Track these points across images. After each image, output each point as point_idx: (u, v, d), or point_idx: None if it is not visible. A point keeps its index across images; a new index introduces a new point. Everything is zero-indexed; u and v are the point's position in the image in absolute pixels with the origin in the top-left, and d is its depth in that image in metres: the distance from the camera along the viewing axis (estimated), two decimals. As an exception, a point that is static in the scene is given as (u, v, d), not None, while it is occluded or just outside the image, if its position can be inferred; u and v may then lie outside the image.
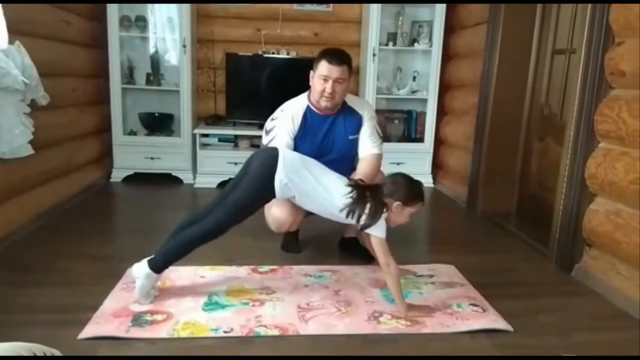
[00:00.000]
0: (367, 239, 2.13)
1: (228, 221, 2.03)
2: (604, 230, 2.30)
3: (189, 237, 2.03)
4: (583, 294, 2.32)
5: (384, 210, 2.00)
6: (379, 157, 2.51)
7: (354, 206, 2.00)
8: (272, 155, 2.07)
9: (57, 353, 1.05)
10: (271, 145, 2.40)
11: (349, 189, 2.03)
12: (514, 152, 3.53)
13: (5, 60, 2.37)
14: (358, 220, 2.00)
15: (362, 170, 2.41)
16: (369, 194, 2.02)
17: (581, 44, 2.46)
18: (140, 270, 1.98)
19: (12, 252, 2.57)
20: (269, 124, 2.49)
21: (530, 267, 2.64)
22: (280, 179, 2.02)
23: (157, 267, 2.00)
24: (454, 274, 2.45)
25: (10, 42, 2.45)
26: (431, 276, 2.41)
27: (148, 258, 2.01)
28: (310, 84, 2.46)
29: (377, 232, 1.98)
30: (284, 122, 2.44)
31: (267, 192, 2.06)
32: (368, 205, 1.98)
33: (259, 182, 2.05)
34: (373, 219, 1.97)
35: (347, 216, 2.02)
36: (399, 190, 2.02)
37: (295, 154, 2.15)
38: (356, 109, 2.53)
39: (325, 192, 2.05)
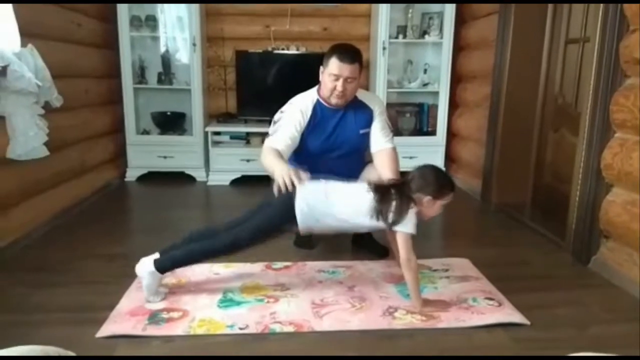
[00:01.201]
0: (390, 232, 2.11)
1: (246, 242, 2.06)
2: (620, 221, 2.27)
3: (203, 250, 2.06)
4: (600, 286, 2.29)
5: (411, 205, 1.97)
6: (396, 151, 2.50)
7: (380, 206, 1.97)
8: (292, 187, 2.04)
9: (72, 355, 1.06)
10: (276, 135, 2.37)
11: (371, 193, 2.00)
12: (528, 143, 3.49)
13: (19, 63, 2.40)
14: (385, 219, 1.97)
15: (388, 167, 2.38)
16: (394, 192, 2.00)
17: (595, 33, 2.42)
18: (144, 269, 2.01)
19: (29, 252, 2.61)
20: (277, 115, 2.47)
21: (546, 260, 2.61)
22: (300, 207, 1.99)
23: (164, 269, 2.03)
24: (468, 268, 2.44)
25: (23, 45, 2.48)
26: (446, 270, 2.40)
27: (153, 258, 2.03)
28: (320, 79, 2.45)
29: (406, 228, 1.95)
30: (292, 114, 2.43)
31: (288, 219, 2.03)
32: (393, 203, 1.96)
33: (280, 210, 2.04)
34: (399, 215, 1.95)
35: (377, 218, 1.98)
36: (428, 184, 1.99)
37: (313, 182, 2.09)
38: (367, 102, 2.52)
39: (348, 206, 2.01)
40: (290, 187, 2.00)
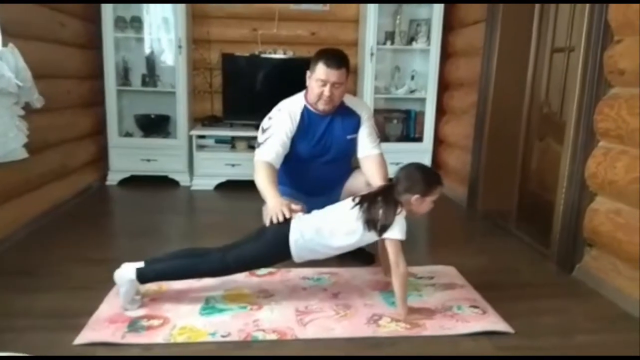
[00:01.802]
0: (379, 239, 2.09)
1: (235, 269, 2.06)
2: (604, 229, 2.28)
3: (189, 268, 2.03)
4: (584, 295, 2.30)
5: (398, 210, 1.95)
6: (383, 157, 2.49)
7: (369, 215, 1.96)
8: (285, 221, 2.02)
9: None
10: (267, 143, 2.35)
11: (357, 207, 1.98)
12: (514, 151, 3.50)
13: (-1, 62, 2.35)
14: (375, 227, 1.95)
15: (378, 175, 2.36)
16: (380, 198, 1.98)
17: (580, 42, 2.44)
18: (124, 276, 1.97)
19: (8, 256, 2.54)
20: (265, 122, 2.45)
21: (531, 268, 2.62)
22: (295, 239, 1.97)
23: (145, 279, 2.00)
24: (454, 275, 2.43)
25: (4, 44, 2.43)
26: (431, 278, 2.39)
27: (135, 266, 1.98)
28: (307, 84, 2.43)
29: (394, 235, 1.93)
30: (281, 120, 2.40)
31: (281, 251, 2.01)
32: (380, 211, 1.95)
33: (273, 241, 2.02)
34: (386, 220, 1.93)
35: (369, 229, 1.96)
36: (415, 184, 1.98)
37: (305, 216, 2.07)
38: (354, 108, 2.51)
39: (340, 230, 2.00)
40: (282, 220, 2.00)
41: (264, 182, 2.22)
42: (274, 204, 2.08)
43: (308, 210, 2.12)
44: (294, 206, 2.06)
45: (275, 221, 2.00)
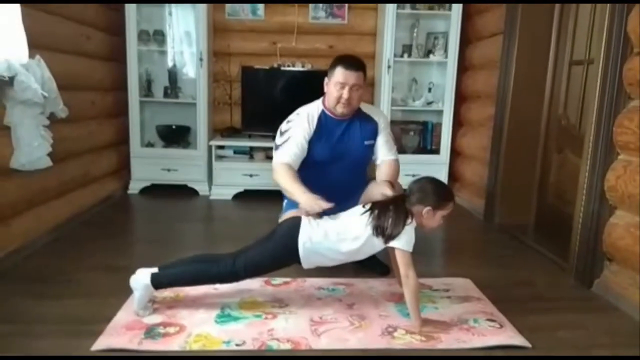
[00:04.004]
0: (391, 250, 2.09)
1: (244, 273, 2.06)
2: (624, 244, 2.25)
3: (202, 273, 2.06)
4: (603, 310, 2.26)
5: (409, 221, 1.96)
6: (398, 163, 2.53)
7: (378, 222, 1.97)
8: (296, 222, 2.06)
9: None
10: (284, 146, 2.39)
11: (368, 213, 2.00)
12: (531, 163, 3.48)
13: (26, 74, 2.42)
14: (383, 234, 1.96)
15: (386, 173, 2.43)
16: (392, 207, 1.99)
17: (599, 55, 2.43)
18: (140, 280, 2.00)
19: (29, 262, 2.60)
20: (284, 126, 2.49)
21: (549, 282, 2.58)
22: (303, 241, 2.00)
23: (160, 285, 2.03)
24: (470, 288, 2.41)
25: (31, 56, 2.50)
26: (447, 290, 2.38)
27: (150, 271, 2.01)
28: (325, 90, 2.48)
29: (400, 244, 1.94)
30: (299, 124, 2.45)
31: (289, 254, 2.03)
32: (390, 220, 1.95)
33: (282, 244, 2.04)
34: (395, 228, 1.94)
35: (377, 236, 1.97)
36: (427, 196, 1.99)
37: (316, 221, 2.08)
38: (371, 115, 2.55)
39: (349, 234, 2.01)
40: (317, 215, 2.05)
41: (288, 182, 2.26)
42: (305, 200, 2.11)
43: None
44: (325, 203, 2.06)
45: (313, 214, 2.04)
